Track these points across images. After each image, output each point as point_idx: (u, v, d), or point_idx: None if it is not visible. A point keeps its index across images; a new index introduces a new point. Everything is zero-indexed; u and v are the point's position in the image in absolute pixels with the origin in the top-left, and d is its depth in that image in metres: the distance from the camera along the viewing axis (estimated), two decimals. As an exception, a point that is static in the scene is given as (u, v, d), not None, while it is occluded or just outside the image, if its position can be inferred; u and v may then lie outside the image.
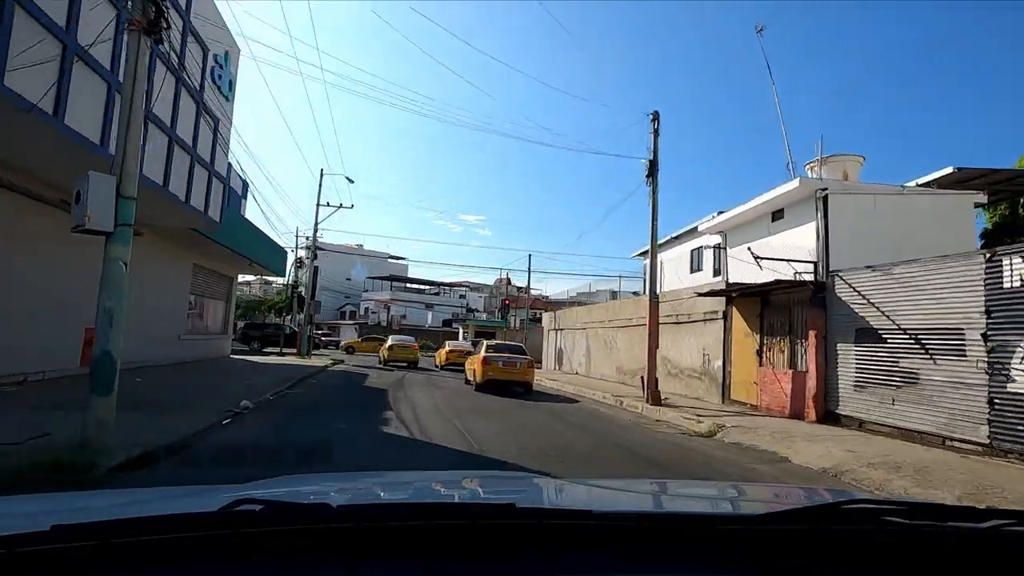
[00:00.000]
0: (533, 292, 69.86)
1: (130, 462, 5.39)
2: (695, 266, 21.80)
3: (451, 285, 69.99)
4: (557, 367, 27.30)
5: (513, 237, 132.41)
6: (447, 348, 26.31)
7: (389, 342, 25.89)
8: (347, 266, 66.60)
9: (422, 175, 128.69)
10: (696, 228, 20.78)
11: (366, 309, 64.05)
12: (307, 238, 28.92)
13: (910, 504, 1.18)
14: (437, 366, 27.06)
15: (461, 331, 48.66)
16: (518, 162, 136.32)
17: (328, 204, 29.77)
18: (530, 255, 30.15)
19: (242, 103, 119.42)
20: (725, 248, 16.16)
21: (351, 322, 63.29)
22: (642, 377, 13.08)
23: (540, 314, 36.51)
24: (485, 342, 18.99)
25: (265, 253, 22.28)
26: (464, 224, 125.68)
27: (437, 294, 69.26)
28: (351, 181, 29.71)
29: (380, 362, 26.35)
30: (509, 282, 69.60)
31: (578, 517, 1.16)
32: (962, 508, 1.28)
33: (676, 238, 24.30)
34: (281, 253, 25.14)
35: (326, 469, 5.44)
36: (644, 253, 27.20)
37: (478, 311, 65.68)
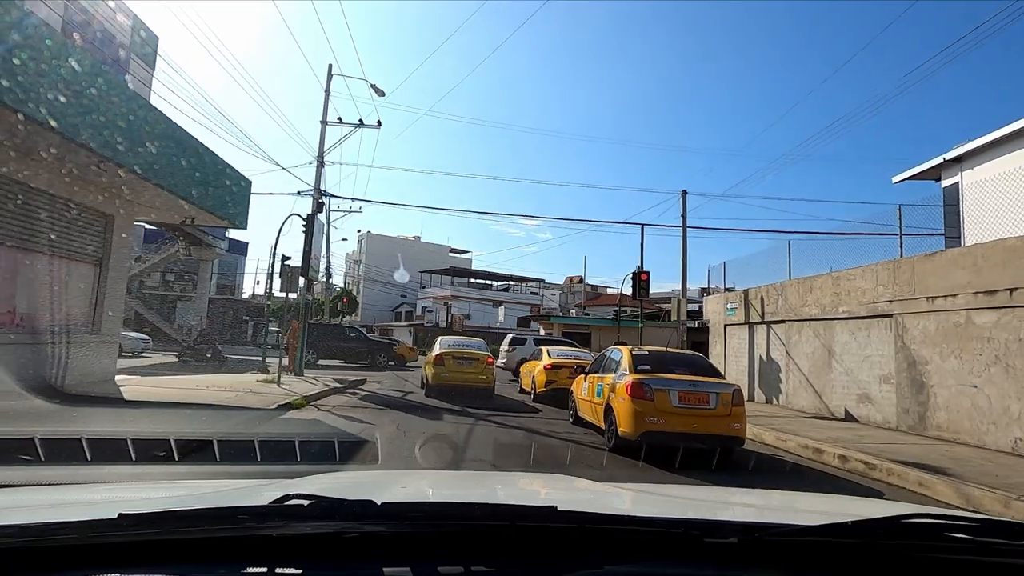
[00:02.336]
0: (594, 283, 56.16)
1: None
2: None
3: (522, 279, 56.89)
4: (766, 398, 13.36)
5: (572, 240, 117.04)
6: (549, 360, 12.97)
7: (437, 348, 12.76)
8: (404, 260, 54.86)
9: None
10: None
11: (423, 308, 51.97)
12: (314, 159, 16.76)
13: (980, 520, 1.10)
14: (528, 391, 13.88)
15: (542, 332, 35.46)
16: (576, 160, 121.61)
17: (340, 120, 17.34)
18: (684, 191, 15.80)
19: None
20: None
21: (406, 323, 51.42)
22: None
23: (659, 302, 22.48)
24: (627, 350, 8.38)
25: (179, 168, 9.89)
26: (524, 228, 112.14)
27: (506, 290, 56.30)
28: (380, 93, 16.96)
29: (422, 385, 13.38)
30: (582, 280, 56.27)
31: (621, 522, 1.05)
32: None
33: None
34: (236, 186, 12.65)
35: None
36: (951, 161, 12.96)
37: (553, 309, 52.45)
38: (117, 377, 10.99)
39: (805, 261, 13.94)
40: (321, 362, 21.41)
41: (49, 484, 2.69)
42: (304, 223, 16.57)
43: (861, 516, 1.11)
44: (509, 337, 24.74)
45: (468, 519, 1.01)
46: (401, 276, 51.29)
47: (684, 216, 16.16)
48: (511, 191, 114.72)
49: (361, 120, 17.51)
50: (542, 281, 58.21)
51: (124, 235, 11.10)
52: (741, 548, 0.97)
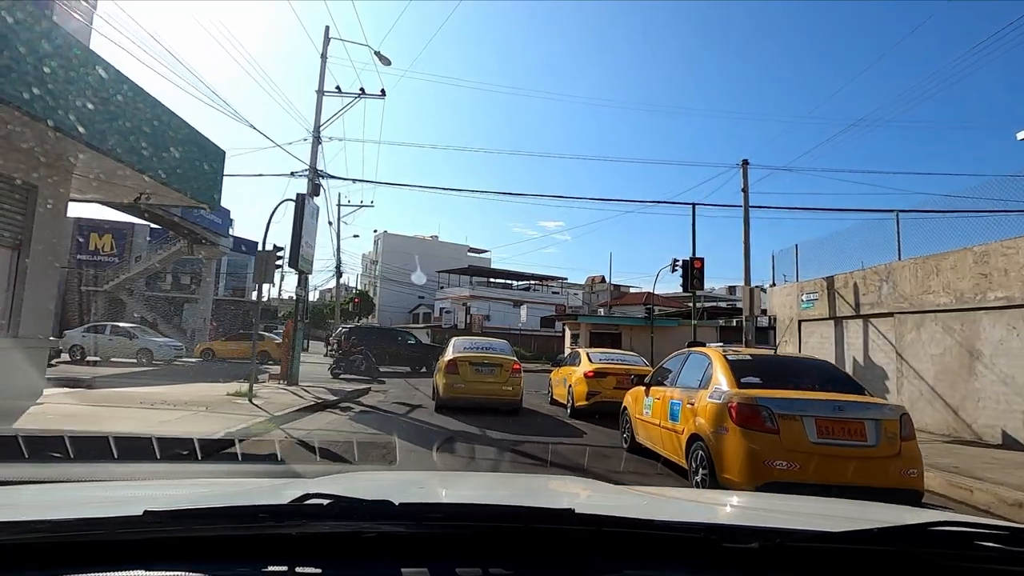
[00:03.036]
0: (616, 283, 52.86)
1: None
2: None
3: (544, 278, 54.20)
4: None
5: (592, 241, 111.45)
6: (590, 365, 10.27)
7: (450, 352, 10.12)
8: (421, 260, 52.57)
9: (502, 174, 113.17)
10: None
11: (441, 309, 49.62)
12: (310, 134, 14.37)
13: (1011, 529, 0.99)
14: (562, 404, 11.26)
15: (568, 333, 32.82)
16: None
17: (338, 90, 14.88)
18: (745, 161, 12.94)
19: None
20: None
21: (423, 325, 49.05)
22: None
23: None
24: (718, 354, 5.43)
25: (121, 126, 7.63)
26: (543, 231, 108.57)
27: (527, 289, 53.64)
28: (386, 61, 14.48)
29: (434, 397, 10.72)
30: (604, 279, 53.37)
31: (640, 526, 1.00)
32: None
33: None
34: (205, 157, 10.33)
35: None
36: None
37: (578, 308, 49.66)
38: (47, 391, 8.63)
39: (891, 241, 11.04)
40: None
41: (79, 481, 2.58)
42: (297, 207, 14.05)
43: (888, 523, 1.09)
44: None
45: (485, 520, 1.00)
46: (419, 277, 48.94)
47: (745, 191, 13.29)
48: (530, 185, 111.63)
49: (363, 89, 15.06)
50: (564, 279, 55.41)
51: (53, 213, 8.72)
52: (761, 553, 0.93)
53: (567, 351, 32.73)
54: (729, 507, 1.69)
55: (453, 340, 10.85)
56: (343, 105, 15.03)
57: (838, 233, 13.21)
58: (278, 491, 1.36)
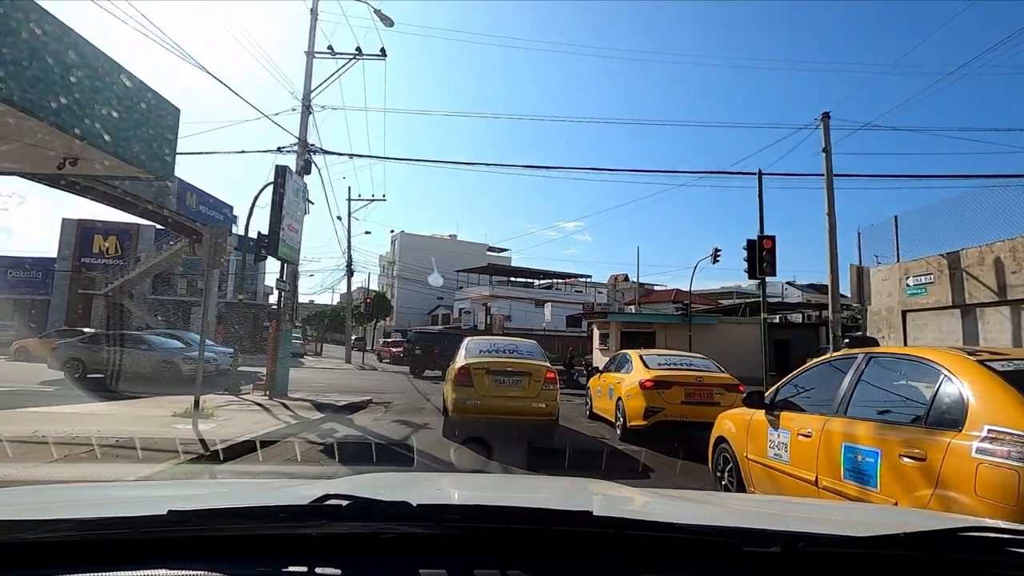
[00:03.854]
0: (640, 281, 49.95)
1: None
2: None
3: (567, 276, 51.59)
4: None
5: (614, 242, 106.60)
6: (648, 373, 7.69)
7: (462, 357, 7.63)
8: (438, 260, 50.32)
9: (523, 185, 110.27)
10: None
11: (460, 310, 47.33)
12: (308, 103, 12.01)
13: None
14: (609, 420, 8.71)
15: (597, 333, 30.29)
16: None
17: (331, 50, 12.59)
18: (826, 115, 10.25)
19: None
20: None
21: (442, 327, 46.83)
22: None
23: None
24: (969, 362, 2.70)
25: (20, 60, 5.21)
26: (563, 232, 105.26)
27: (549, 287, 51.07)
28: (388, 21, 12.10)
29: (444, 410, 8.25)
30: (627, 278, 50.55)
31: (659, 529, 1.00)
32: None
33: None
34: (150, 114, 7.85)
35: None
36: None
37: (606, 306, 46.96)
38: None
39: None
40: None
41: (104, 481, 2.61)
42: (287, 186, 11.72)
43: (915, 528, 1.06)
44: None
45: (503, 522, 0.99)
46: (436, 278, 46.66)
47: (827, 151, 10.55)
48: (544, 183, 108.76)
49: (359, 49, 12.73)
50: (588, 277, 52.68)
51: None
52: (783, 558, 0.90)
53: (595, 352, 30.17)
54: (750, 510, 1.67)
55: (466, 341, 8.37)
56: (337, 68, 12.74)
57: (946, 202, 10.40)
58: (297, 491, 1.38)
